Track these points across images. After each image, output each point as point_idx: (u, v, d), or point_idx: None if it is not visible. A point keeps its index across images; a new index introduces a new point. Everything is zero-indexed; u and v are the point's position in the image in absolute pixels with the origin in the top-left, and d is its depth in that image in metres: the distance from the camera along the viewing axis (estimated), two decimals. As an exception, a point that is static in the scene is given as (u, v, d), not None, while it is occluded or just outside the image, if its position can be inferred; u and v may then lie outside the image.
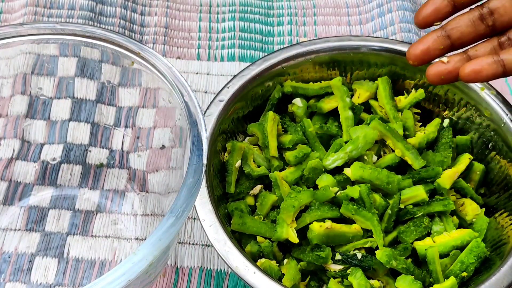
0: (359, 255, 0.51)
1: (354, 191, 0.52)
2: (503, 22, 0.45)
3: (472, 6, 0.47)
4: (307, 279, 0.53)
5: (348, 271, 0.51)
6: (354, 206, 0.52)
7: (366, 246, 0.52)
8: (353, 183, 0.55)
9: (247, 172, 0.57)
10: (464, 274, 0.51)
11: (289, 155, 0.57)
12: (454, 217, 0.55)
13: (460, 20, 0.45)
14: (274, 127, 0.58)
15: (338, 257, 0.51)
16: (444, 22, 0.48)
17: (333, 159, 0.56)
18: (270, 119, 0.57)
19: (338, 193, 0.54)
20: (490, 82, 0.58)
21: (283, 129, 0.60)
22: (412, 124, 0.59)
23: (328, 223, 0.51)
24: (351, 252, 0.52)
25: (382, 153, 0.58)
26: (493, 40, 0.45)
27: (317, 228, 0.50)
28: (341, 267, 0.51)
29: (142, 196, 0.61)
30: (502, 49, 0.44)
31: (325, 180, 0.54)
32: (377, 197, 0.53)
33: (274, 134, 0.57)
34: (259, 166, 0.58)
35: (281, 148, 0.58)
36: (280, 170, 0.57)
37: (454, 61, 0.45)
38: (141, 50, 0.51)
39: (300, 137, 0.58)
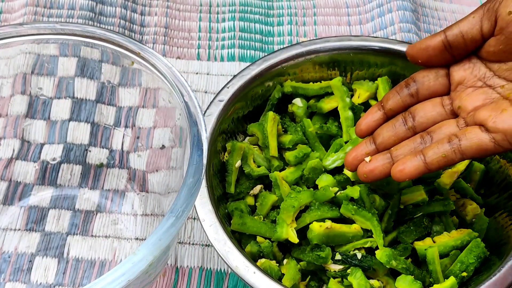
0: (359, 255, 0.51)
1: (354, 191, 0.52)
2: (422, 124, 0.48)
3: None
4: (307, 279, 0.53)
5: (348, 271, 0.51)
6: (354, 206, 0.51)
7: (366, 246, 0.52)
8: (353, 183, 0.55)
9: (247, 172, 0.57)
10: (464, 274, 0.51)
11: (289, 155, 0.57)
12: (454, 217, 0.55)
13: (383, 127, 0.50)
14: (274, 127, 0.58)
15: (338, 257, 0.51)
16: None
17: (332, 160, 0.56)
18: (270, 119, 0.57)
19: (338, 193, 0.54)
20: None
21: (283, 129, 0.60)
22: (412, 124, 0.59)
23: (328, 223, 0.51)
24: (351, 252, 0.51)
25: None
26: (415, 138, 0.48)
27: (317, 228, 0.50)
28: (341, 267, 0.51)
29: (142, 196, 0.61)
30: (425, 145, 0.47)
31: (325, 180, 0.54)
32: (377, 197, 0.53)
33: (274, 134, 0.57)
34: (259, 166, 0.58)
35: (281, 148, 0.58)
36: (280, 170, 0.57)
37: (376, 160, 0.49)
38: (141, 50, 0.51)
39: (300, 137, 0.58)
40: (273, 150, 0.57)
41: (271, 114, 0.58)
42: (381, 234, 0.51)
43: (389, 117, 0.51)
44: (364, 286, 0.49)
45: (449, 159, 0.45)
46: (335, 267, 0.51)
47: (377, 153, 0.50)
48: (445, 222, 0.54)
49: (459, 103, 0.47)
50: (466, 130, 0.45)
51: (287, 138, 0.58)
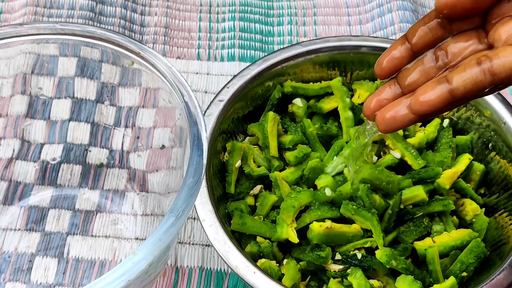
0: (359, 255, 0.51)
1: (345, 187, 0.52)
2: (457, 60, 0.42)
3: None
4: (307, 279, 0.53)
5: (348, 271, 0.51)
6: (354, 206, 0.51)
7: (366, 246, 0.52)
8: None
9: (247, 172, 0.57)
10: (464, 274, 0.51)
11: (289, 155, 0.57)
12: (454, 217, 0.55)
13: (410, 66, 0.43)
14: (275, 127, 0.58)
15: (338, 257, 0.51)
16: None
17: (332, 166, 0.56)
18: (271, 119, 0.57)
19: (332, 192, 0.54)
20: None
21: (283, 129, 0.60)
22: (412, 124, 0.59)
23: (328, 223, 0.51)
24: (351, 252, 0.51)
25: (382, 153, 0.58)
26: (444, 73, 0.41)
27: (317, 228, 0.50)
28: (341, 267, 0.51)
29: (142, 196, 0.61)
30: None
31: (324, 181, 0.54)
32: (377, 198, 0.53)
33: (274, 134, 0.57)
34: (259, 166, 0.58)
35: (281, 148, 0.58)
36: (280, 170, 0.57)
37: (399, 105, 0.42)
38: (141, 50, 0.51)
39: (300, 137, 0.58)
40: (274, 150, 0.57)
41: (271, 114, 0.58)
42: (381, 234, 0.51)
43: (415, 53, 0.43)
44: (364, 286, 0.49)
45: (478, 82, 0.38)
46: (335, 267, 0.51)
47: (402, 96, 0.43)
48: (445, 222, 0.54)
49: (493, 33, 0.41)
50: (499, 49, 0.38)
51: (287, 138, 0.58)
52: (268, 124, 0.57)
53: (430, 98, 0.39)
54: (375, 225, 0.51)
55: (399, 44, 0.44)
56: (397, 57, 0.43)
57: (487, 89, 0.39)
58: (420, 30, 0.43)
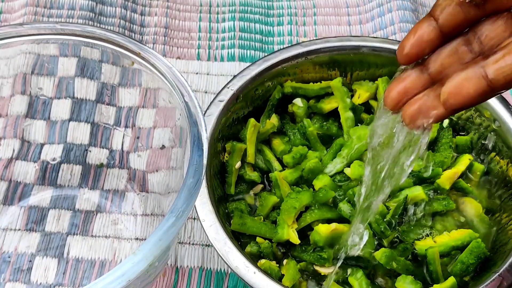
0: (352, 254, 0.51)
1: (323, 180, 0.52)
2: (493, 46, 0.36)
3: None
4: (307, 279, 0.53)
5: (349, 272, 0.51)
6: (350, 208, 0.51)
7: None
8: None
9: (240, 174, 0.57)
10: (464, 274, 0.51)
11: (286, 158, 0.57)
12: (455, 217, 0.55)
13: (441, 51, 0.37)
14: (254, 134, 0.58)
15: (339, 264, 0.51)
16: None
17: (332, 166, 0.56)
18: (251, 125, 0.57)
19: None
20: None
21: (283, 130, 0.60)
22: (412, 124, 0.59)
23: (334, 225, 0.51)
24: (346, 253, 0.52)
25: (382, 153, 0.58)
26: (477, 60, 0.35)
27: (323, 231, 0.50)
28: (330, 270, 0.51)
29: (142, 196, 0.61)
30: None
31: (322, 181, 0.54)
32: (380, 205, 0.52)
33: (253, 141, 0.57)
34: (256, 169, 0.58)
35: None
36: (280, 171, 0.57)
37: (428, 96, 0.37)
38: (141, 50, 0.51)
39: (292, 143, 0.58)
40: (251, 157, 0.57)
41: (251, 121, 0.58)
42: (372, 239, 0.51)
43: (445, 35, 0.37)
44: (364, 287, 0.49)
45: None
46: (325, 271, 0.51)
47: (431, 85, 0.37)
48: (445, 222, 0.54)
49: None
50: None
51: (279, 148, 0.58)
52: (248, 131, 0.57)
53: (466, 91, 0.34)
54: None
55: (425, 24, 0.37)
56: (425, 40, 0.37)
57: None
58: (449, 7, 0.36)
